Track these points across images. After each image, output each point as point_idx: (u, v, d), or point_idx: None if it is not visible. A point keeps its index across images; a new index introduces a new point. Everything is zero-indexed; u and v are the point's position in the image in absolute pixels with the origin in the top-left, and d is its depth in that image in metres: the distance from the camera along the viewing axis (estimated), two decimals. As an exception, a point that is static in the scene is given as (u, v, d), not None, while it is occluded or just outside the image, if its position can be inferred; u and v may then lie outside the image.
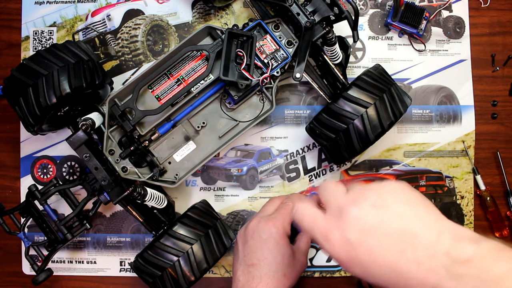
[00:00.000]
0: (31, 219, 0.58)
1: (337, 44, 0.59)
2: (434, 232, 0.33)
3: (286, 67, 0.59)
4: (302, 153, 0.68)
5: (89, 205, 0.59)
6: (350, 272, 0.37)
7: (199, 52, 0.59)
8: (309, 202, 0.41)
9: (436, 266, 0.32)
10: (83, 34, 0.68)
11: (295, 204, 0.41)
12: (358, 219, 0.35)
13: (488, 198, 0.66)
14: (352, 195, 0.38)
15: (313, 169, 0.68)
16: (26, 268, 0.67)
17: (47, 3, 0.69)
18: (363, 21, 0.69)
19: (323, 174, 0.68)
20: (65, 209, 0.65)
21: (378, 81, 0.57)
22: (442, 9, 0.69)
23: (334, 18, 0.57)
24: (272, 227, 0.52)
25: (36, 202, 0.57)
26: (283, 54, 0.58)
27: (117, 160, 0.57)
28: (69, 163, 0.67)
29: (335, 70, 0.61)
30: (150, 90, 0.59)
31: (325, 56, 0.61)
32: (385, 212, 0.35)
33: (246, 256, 0.52)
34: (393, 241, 0.34)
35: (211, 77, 0.58)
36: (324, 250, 0.38)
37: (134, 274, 0.61)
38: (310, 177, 0.68)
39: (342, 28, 0.62)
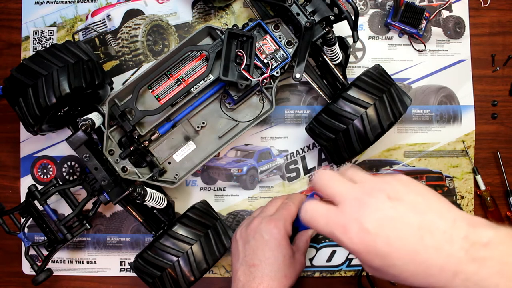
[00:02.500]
0: (31, 219, 0.58)
1: (337, 44, 0.59)
2: (449, 219, 0.34)
3: (286, 67, 0.59)
4: (302, 153, 0.68)
5: (89, 205, 0.59)
6: (368, 265, 0.36)
7: (199, 52, 0.59)
8: (314, 200, 0.41)
9: (456, 250, 0.32)
10: (83, 34, 0.68)
11: (302, 205, 0.41)
12: (376, 210, 0.35)
13: (488, 198, 0.66)
14: (366, 187, 0.38)
15: (313, 169, 0.68)
16: (26, 268, 0.67)
17: (47, 3, 0.69)
18: (363, 21, 0.69)
19: (323, 174, 0.68)
20: (65, 209, 0.65)
21: (378, 81, 0.57)
22: (442, 9, 0.69)
23: (334, 18, 0.57)
24: (274, 228, 0.52)
25: (36, 202, 0.57)
26: (283, 54, 0.58)
27: (117, 160, 0.57)
28: (69, 163, 0.67)
29: (335, 70, 0.61)
30: (150, 90, 0.59)
31: (325, 56, 0.61)
32: (401, 203, 0.35)
33: (247, 256, 0.52)
34: (411, 229, 0.34)
35: (211, 77, 0.58)
36: (341, 243, 0.37)
37: (134, 274, 0.61)
38: (310, 177, 0.68)
39: (342, 28, 0.62)
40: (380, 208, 0.35)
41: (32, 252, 0.57)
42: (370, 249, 0.35)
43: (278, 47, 0.58)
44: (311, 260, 0.66)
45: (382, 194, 0.36)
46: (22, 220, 0.59)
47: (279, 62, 0.58)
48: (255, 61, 0.57)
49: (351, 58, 0.68)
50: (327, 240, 0.66)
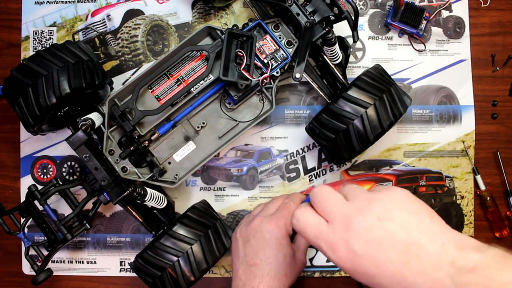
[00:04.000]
0: (31, 219, 0.58)
1: (337, 44, 0.59)
2: (438, 242, 0.33)
3: (286, 67, 0.59)
4: (302, 153, 0.68)
5: (89, 205, 0.59)
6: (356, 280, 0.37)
7: (199, 52, 0.59)
8: (307, 207, 0.40)
9: (441, 276, 0.32)
10: (83, 34, 0.68)
11: (294, 212, 0.41)
12: (363, 231, 0.35)
13: (488, 198, 0.66)
14: (356, 206, 0.37)
15: (313, 169, 0.68)
16: (26, 268, 0.67)
17: (47, 3, 0.69)
18: (363, 21, 0.69)
19: (323, 174, 0.68)
20: (65, 209, 0.65)
21: (378, 81, 0.57)
22: (442, 9, 0.69)
23: (334, 18, 0.57)
24: (275, 227, 0.52)
25: (36, 202, 0.57)
26: (283, 54, 0.58)
27: (117, 160, 0.57)
28: (69, 163, 0.67)
29: (335, 70, 0.61)
30: (150, 90, 0.59)
31: (325, 56, 0.61)
32: (390, 224, 0.35)
33: (247, 255, 0.52)
34: (398, 253, 0.34)
35: (211, 77, 0.58)
36: (329, 259, 0.38)
37: (134, 274, 0.61)
38: (310, 177, 0.68)
39: (342, 28, 0.62)
40: (368, 229, 0.35)
41: (32, 252, 0.57)
42: (357, 268, 0.35)
43: (278, 47, 0.58)
44: (311, 260, 0.66)
45: (371, 214, 0.36)
46: (22, 220, 0.59)
47: (279, 62, 0.58)
48: (255, 61, 0.57)
49: (351, 58, 0.68)
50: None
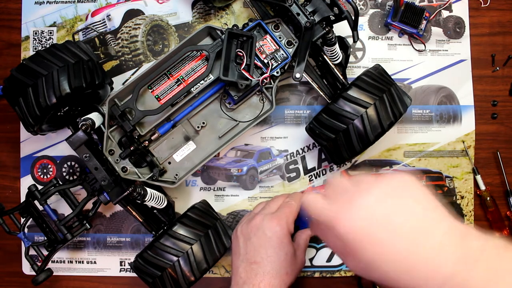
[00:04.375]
0: (31, 219, 0.58)
1: (337, 44, 0.59)
2: (442, 228, 0.33)
3: (286, 67, 0.59)
4: (302, 153, 0.68)
5: (89, 205, 0.59)
6: (352, 270, 0.37)
7: (199, 52, 0.59)
8: (317, 193, 0.41)
9: (445, 260, 0.32)
10: (83, 34, 0.68)
11: (304, 195, 0.41)
12: (366, 209, 0.35)
13: (488, 198, 0.66)
14: (362, 185, 0.37)
15: (313, 169, 0.68)
16: (26, 268, 0.67)
17: (47, 3, 0.69)
18: (363, 21, 0.69)
19: (323, 174, 0.68)
20: (65, 209, 0.65)
21: (378, 81, 0.57)
22: (442, 9, 0.69)
23: (334, 18, 0.57)
24: (277, 226, 0.52)
25: (36, 202, 0.57)
26: (283, 54, 0.58)
27: (117, 160, 0.57)
28: (69, 163, 0.67)
29: (335, 70, 0.61)
30: (150, 90, 0.59)
31: (325, 56, 0.61)
32: (394, 204, 0.35)
33: (248, 253, 0.52)
34: (402, 233, 0.34)
35: (211, 77, 0.58)
36: (331, 234, 0.37)
37: (134, 274, 0.61)
38: (310, 177, 0.68)
39: (342, 28, 0.62)
40: (372, 207, 0.35)
41: (32, 252, 0.57)
42: (356, 249, 0.35)
43: (278, 47, 0.58)
44: (311, 260, 0.66)
45: (376, 192, 0.36)
46: (22, 220, 0.59)
47: (279, 62, 0.58)
48: (255, 61, 0.57)
49: (351, 58, 0.68)
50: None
